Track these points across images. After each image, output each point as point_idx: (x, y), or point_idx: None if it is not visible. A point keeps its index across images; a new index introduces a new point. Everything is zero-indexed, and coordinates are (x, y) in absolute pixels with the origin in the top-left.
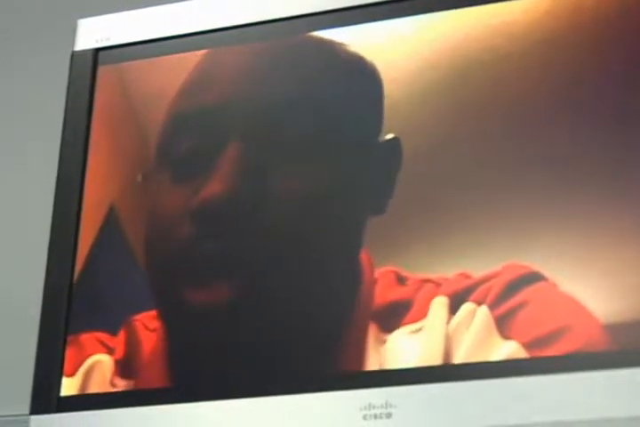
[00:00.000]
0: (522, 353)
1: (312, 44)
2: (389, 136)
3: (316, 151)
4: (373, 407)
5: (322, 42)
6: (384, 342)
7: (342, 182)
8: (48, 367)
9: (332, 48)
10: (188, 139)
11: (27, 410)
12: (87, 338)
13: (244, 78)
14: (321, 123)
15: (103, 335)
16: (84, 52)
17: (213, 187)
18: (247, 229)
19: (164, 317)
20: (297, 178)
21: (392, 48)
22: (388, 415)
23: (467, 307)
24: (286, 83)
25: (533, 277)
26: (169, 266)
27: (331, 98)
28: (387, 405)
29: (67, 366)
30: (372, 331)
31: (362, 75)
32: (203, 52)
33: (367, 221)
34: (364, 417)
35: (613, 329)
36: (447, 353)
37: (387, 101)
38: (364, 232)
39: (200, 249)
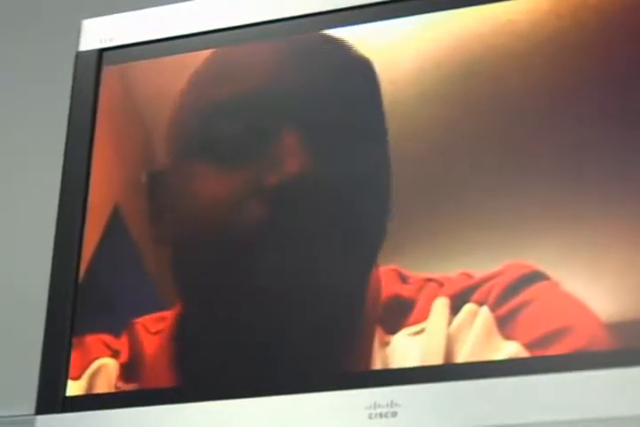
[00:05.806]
0: (523, 354)
1: (319, 43)
2: (382, 136)
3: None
4: (379, 406)
5: (327, 40)
6: (388, 343)
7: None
8: (53, 367)
9: (336, 47)
10: (228, 127)
11: (32, 410)
12: (92, 340)
13: (255, 75)
14: (322, 120)
15: (107, 337)
16: (88, 52)
17: (289, 168)
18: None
19: (171, 315)
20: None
21: (396, 47)
22: (394, 414)
23: (468, 308)
24: (292, 81)
25: (535, 277)
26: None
27: (332, 96)
28: (392, 404)
29: (72, 370)
30: (378, 331)
31: (363, 74)
32: (209, 51)
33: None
34: (370, 416)
35: (616, 328)
36: (449, 355)
37: (389, 100)
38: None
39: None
